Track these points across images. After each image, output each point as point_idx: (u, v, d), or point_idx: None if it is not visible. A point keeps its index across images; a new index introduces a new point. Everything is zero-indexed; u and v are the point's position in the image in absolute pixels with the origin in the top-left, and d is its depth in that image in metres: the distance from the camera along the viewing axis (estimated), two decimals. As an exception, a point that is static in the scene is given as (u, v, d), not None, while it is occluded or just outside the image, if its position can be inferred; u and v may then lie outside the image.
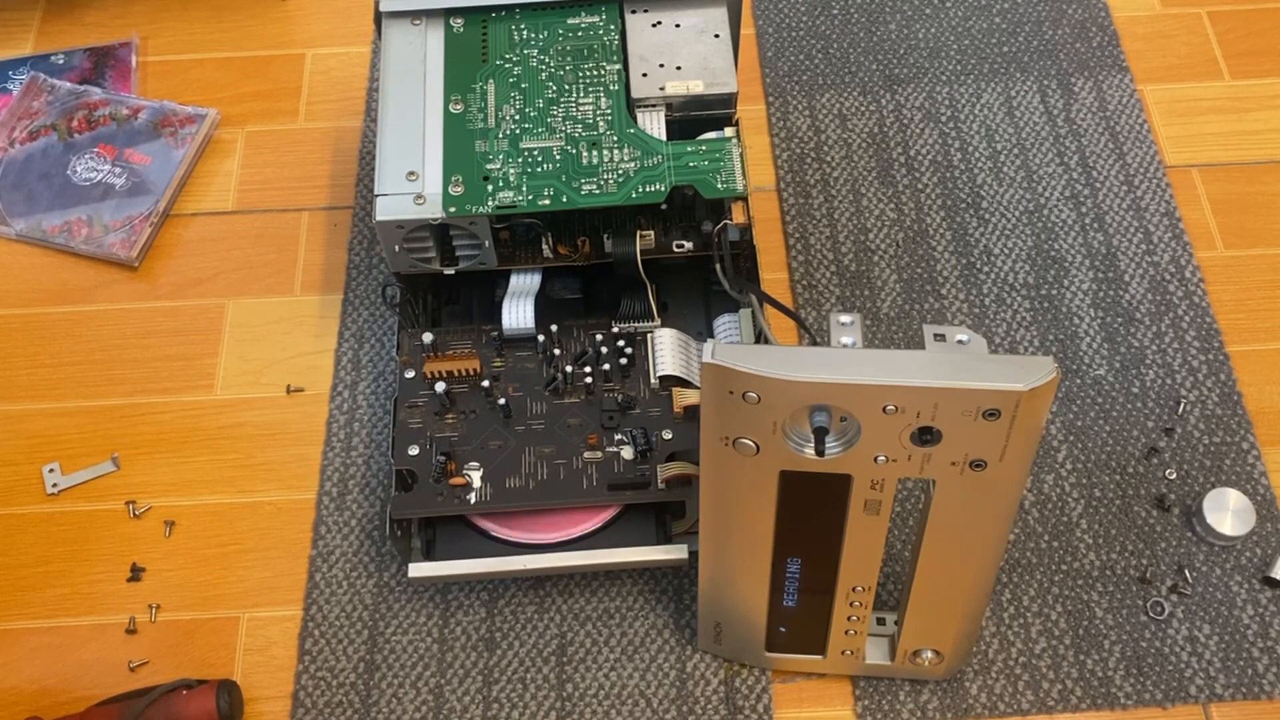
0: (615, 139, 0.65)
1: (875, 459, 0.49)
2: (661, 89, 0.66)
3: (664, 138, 0.65)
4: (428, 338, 0.66)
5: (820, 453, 0.49)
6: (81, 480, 0.71)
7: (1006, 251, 0.78)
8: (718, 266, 0.65)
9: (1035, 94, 0.85)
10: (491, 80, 0.67)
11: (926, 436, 0.48)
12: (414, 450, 0.63)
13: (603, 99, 0.66)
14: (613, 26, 0.69)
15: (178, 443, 0.72)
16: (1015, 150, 0.83)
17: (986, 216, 0.80)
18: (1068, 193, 0.81)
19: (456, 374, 0.65)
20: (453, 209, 0.62)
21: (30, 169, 0.82)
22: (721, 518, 0.55)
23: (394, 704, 0.64)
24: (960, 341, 0.48)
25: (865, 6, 0.90)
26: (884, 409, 0.47)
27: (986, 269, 0.78)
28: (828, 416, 0.48)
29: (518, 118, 0.66)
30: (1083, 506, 0.69)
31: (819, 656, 0.62)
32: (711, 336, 0.66)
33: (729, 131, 0.66)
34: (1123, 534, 0.68)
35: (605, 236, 0.65)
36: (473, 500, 0.62)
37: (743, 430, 0.49)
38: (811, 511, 0.53)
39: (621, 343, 0.66)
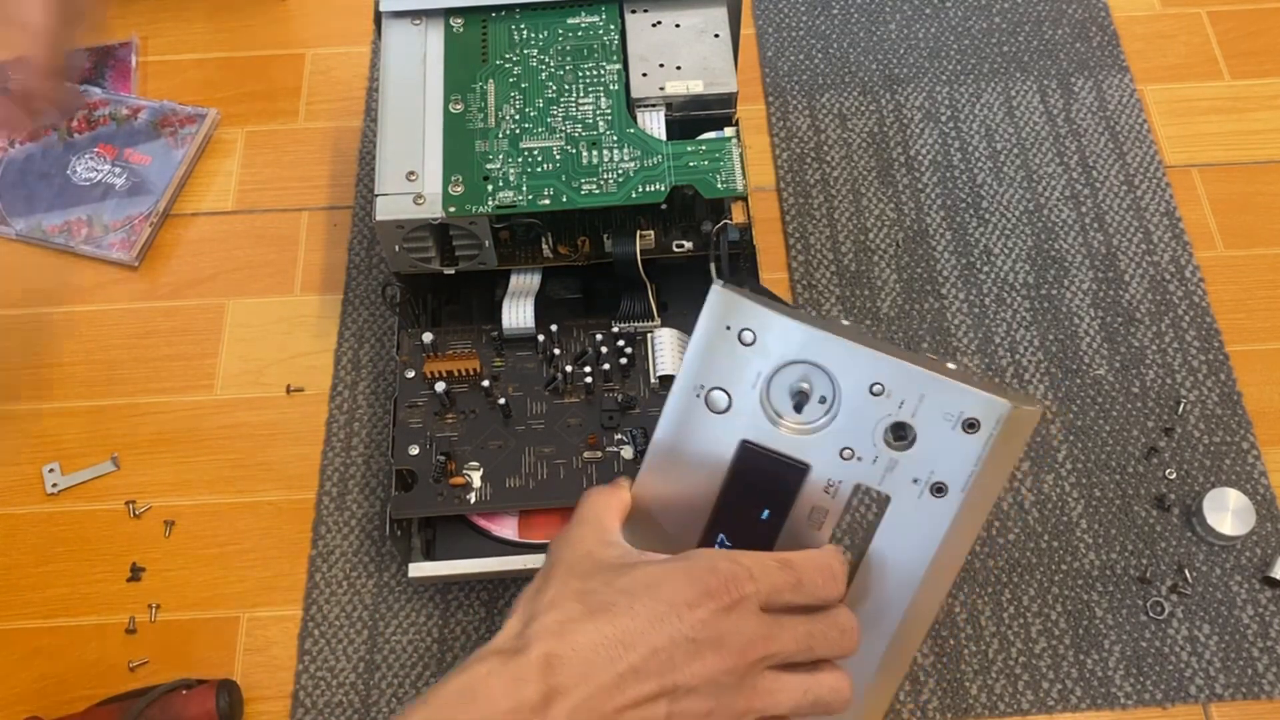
0: (615, 139, 0.65)
1: (841, 452, 0.48)
2: (661, 89, 0.66)
3: (664, 138, 0.65)
4: (428, 338, 0.66)
5: (798, 408, 0.48)
6: (81, 480, 0.71)
7: (1006, 251, 0.78)
8: (713, 267, 0.64)
9: (1035, 94, 0.85)
10: (491, 80, 0.67)
11: (900, 434, 0.47)
12: (414, 450, 0.63)
13: (603, 99, 0.66)
14: (613, 26, 0.69)
15: (177, 443, 0.72)
16: (1015, 150, 0.83)
17: (986, 216, 0.80)
18: (1068, 193, 0.81)
19: (456, 374, 0.65)
20: (453, 209, 0.62)
21: (30, 169, 0.82)
22: (664, 484, 0.51)
23: (394, 704, 0.64)
24: (951, 366, 0.48)
25: (865, 6, 0.90)
26: (870, 388, 0.46)
27: (986, 269, 0.78)
28: (810, 385, 0.47)
29: (518, 118, 0.66)
30: (1083, 506, 0.69)
31: None
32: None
33: (729, 131, 0.66)
34: (1123, 534, 0.68)
35: (605, 236, 0.65)
36: (473, 500, 0.62)
37: (722, 379, 0.48)
38: (755, 502, 0.50)
39: (621, 343, 0.66)
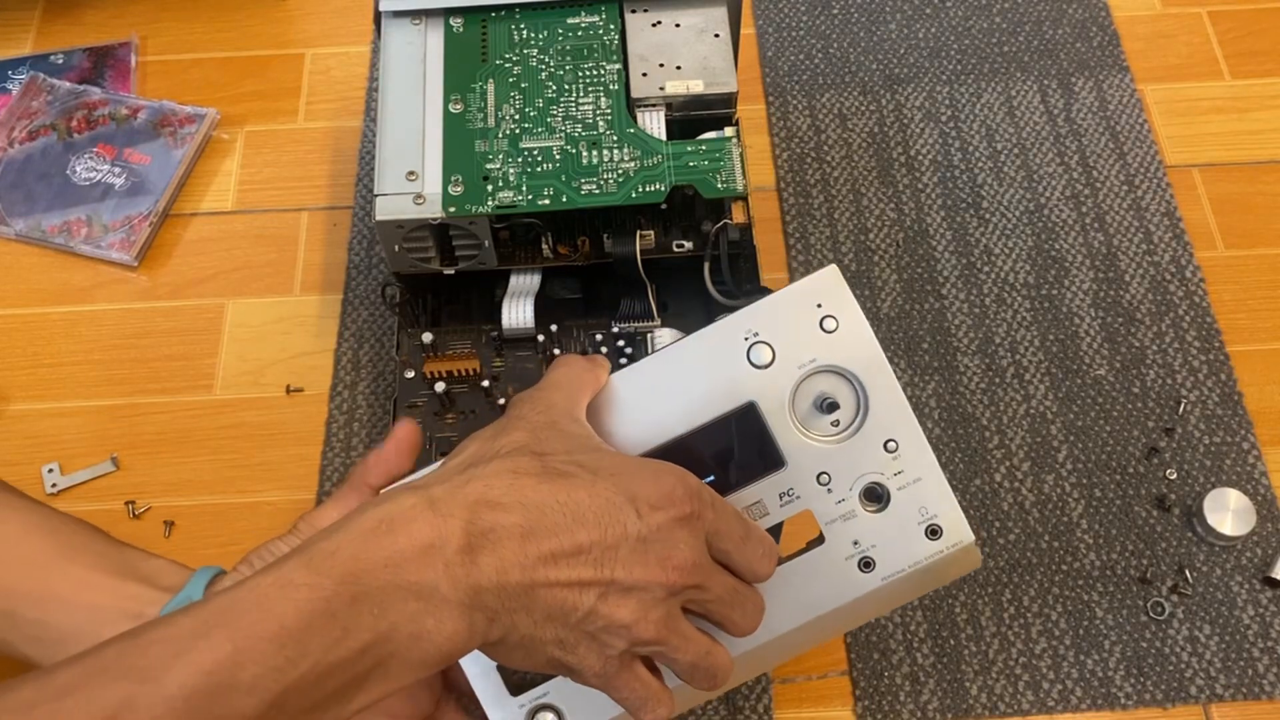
0: (615, 139, 0.65)
1: (819, 475, 0.48)
2: (661, 89, 0.66)
3: (664, 137, 0.65)
4: (427, 338, 0.66)
5: (827, 411, 0.48)
6: (81, 480, 0.71)
7: (1006, 251, 0.78)
8: (706, 267, 0.64)
9: (1035, 94, 0.85)
10: (491, 80, 0.67)
11: (875, 497, 0.48)
12: (414, 450, 0.63)
13: (603, 99, 0.66)
14: (613, 26, 0.69)
15: (177, 443, 0.72)
16: (1015, 150, 0.83)
17: (986, 216, 0.80)
18: (1068, 193, 0.81)
19: (456, 374, 0.65)
20: (452, 209, 0.62)
21: (30, 169, 0.82)
22: (647, 389, 0.48)
23: (394, 704, 0.63)
24: None
25: (865, 6, 0.90)
26: (886, 442, 0.47)
27: (986, 269, 0.78)
28: (839, 403, 0.48)
29: (518, 117, 0.65)
30: (1083, 506, 0.69)
31: None
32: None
33: (729, 131, 0.66)
34: (1123, 534, 0.68)
35: (605, 236, 0.65)
36: (472, 500, 0.62)
37: (778, 341, 0.47)
38: (719, 460, 0.48)
39: (621, 343, 0.66)
